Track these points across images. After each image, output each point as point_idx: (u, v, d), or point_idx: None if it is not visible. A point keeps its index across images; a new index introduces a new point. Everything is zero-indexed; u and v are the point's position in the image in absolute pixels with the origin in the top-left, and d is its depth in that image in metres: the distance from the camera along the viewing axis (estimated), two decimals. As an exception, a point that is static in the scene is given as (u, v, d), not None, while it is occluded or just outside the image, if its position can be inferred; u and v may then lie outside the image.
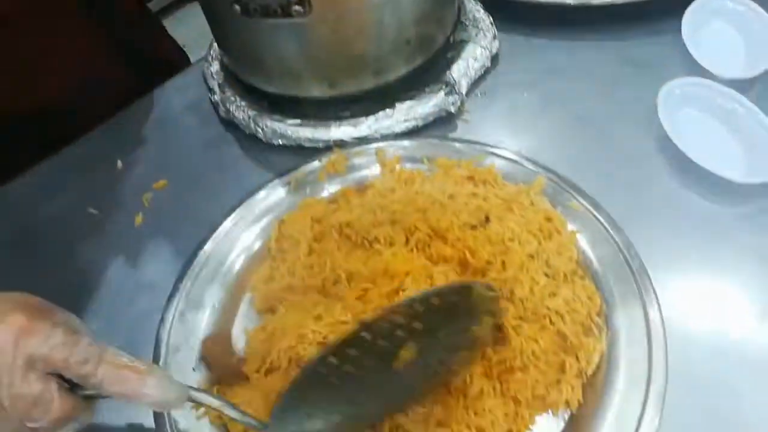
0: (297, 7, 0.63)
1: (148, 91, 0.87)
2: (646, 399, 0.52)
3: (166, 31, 1.03)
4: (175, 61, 1.00)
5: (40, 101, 0.80)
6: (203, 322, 0.61)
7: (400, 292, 0.55)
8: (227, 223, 0.67)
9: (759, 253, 0.62)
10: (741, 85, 0.72)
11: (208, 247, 0.65)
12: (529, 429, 0.54)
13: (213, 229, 0.67)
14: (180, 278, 0.64)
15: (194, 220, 0.71)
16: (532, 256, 0.59)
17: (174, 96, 0.87)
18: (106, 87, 0.87)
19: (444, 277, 0.55)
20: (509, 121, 0.76)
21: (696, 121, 0.71)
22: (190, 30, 0.96)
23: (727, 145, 0.69)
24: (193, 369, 0.59)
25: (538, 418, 0.54)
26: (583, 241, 0.61)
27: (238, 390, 0.56)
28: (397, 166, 0.69)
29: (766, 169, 0.64)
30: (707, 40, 0.78)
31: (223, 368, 0.57)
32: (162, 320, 0.61)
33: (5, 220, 0.76)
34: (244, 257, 0.65)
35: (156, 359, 0.59)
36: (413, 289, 0.54)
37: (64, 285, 0.68)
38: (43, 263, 0.71)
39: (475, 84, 0.79)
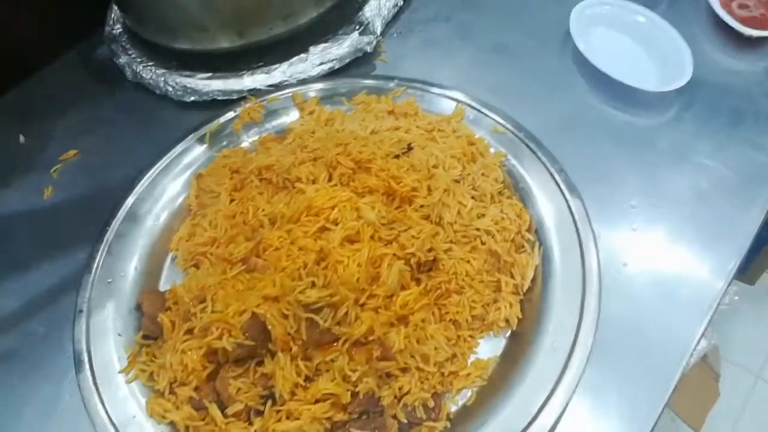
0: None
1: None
2: (583, 307, 0.52)
3: None
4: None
5: None
6: (126, 286, 0.58)
7: (328, 230, 0.53)
8: (143, 182, 0.63)
9: (676, 156, 0.63)
10: (648, 1, 0.73)
11: (123, 208, 0.62)
12: (474, 352, 0.53)
13: (125, 193, 0.63)
14: (97, 242, 0.60)
15: (108, 187, 0.67)
16: (457, 180, 0.58)
17: (77, 63, 0.81)
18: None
19: (371, 207, 0.53)
20: (427, 57, 0.75)
21: (608, 38, 0.72)
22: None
23: (640, 59, 0.70)
24: (119, 334, 0.55)
25: (480, 341, 0.54)
26: (508, 162, 0.61)
27: (157, 346, 0.53)
28: (316, 108, 0.67)
29: (677, 77, 0.65)
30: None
31: (153, 323, 0.54)
32: (80, 289, 0.58)
33: None
34: (165, 214, 0.62)
35: (77, 328, 0.55)
36: (342, 225, 0.52)
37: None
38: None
39: (389, 24, 0.78)
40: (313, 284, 0.48)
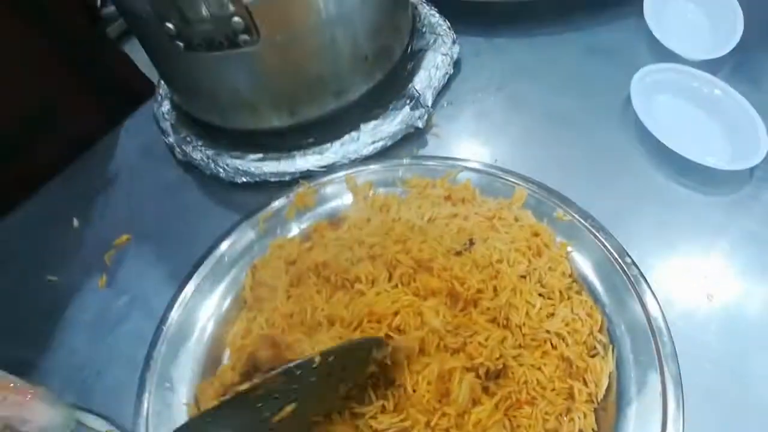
0: (244, 36, 0.59)
1: (108, 126, 0.83)
2: (665, 416, 0.49)
3: (127, 56, 0.97)
4: (138, 89, 0.90)
5: None
6: (182, 397, 0.57)
7: (393, 337, 0.51)
8: (193, 284, 0.62)
9: (754, 239, 0.59)
10: (712, 65, 0.69)
11: (175, 315, 0.60)
12: (547, 468, 0.51)
13: (178, 294, 0.61)
14: (149, 355, 0.58)
15: (162, 275, 0.67)
16: (523, 277, 0.55)
17: (126, 142, 0.82)
18: (63, 118, 0.80)
19: (435, 312, 0.52)
20: (480, 129, 0.73)
21: (672, 107, 0.69)
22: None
23: (708, 130, 0.66)
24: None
25: (554, 455, 0.51)
26: (573, 253, 0.58)
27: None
28: (370, 193, 0.66)
29: (750, 153, 0.61)
30: (671, 20, 0.76)
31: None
32: (140, 395, 0.56)
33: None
34: (215, 320, 0.61)
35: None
36: (405, 332, 0.51)
37: (31, 360, 0.63)
38: (5, 338, 0.66)
39: (440, 94, 0.76)
40: (384, 408, 0.46)
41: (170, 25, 0.59)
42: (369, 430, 0.46)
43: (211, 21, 0.58)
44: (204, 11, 0.57)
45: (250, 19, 0.57)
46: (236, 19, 0.57)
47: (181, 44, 0.61)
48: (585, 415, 0.51)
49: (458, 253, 0.56)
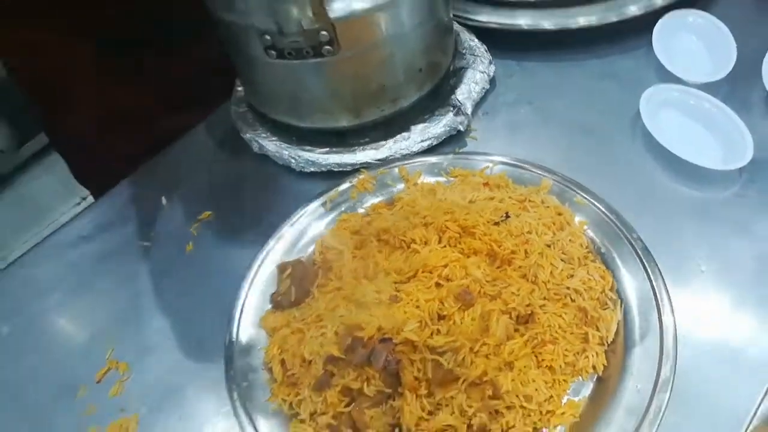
0: (327, 47, 0.73)
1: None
2: (661, 356, 0.60)
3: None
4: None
5: None
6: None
7: (442, 284, 0.63)
8: (275, 238, 0.75)
9: (741, 227, 0.71)
10: (709, 87, 0.82)
11: (259, 259, 0.74)
12: (566, 393, 0.62)
13: (259, 249, 0.75)
14: (237, 297, 0.71)
15: (241, 243, 0.80)
16: (549, 245, 0.68)
17: (206, 137, 0.95)
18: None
19: (476, 266, 0.64)
20: (512, 135, 0.86)
21: (675, 120, 0.82)
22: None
23: (704, 139, 0.79)
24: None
25: (572, 384, 0.63)
26: (590, 230, 0.71)
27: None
28: (419, 180, 0.79)
29: (739, 157, 0.74)
30: (676, 51, 0.89)
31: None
32: (228, 336, 0.69)
33: (60, 261, 0.84)
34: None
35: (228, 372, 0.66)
36: (456, 283, 0.63)
37: (126, 308, 0.77)
38: (106, 290, 0.79)
39: (478, 105, 0.89)
40: (438, 331, 0.58)
41: (267, 37, 0.73)
42: (425, 347, 0.58)
43: (302, 34, 0.71)
44: (298, 25, 0.71)
45: (334, 33, 0.71)
46: (323, 32, 0.71)
47: (274, 53, 0.75)
48: (597, 354, 0.62)
49: (496, 224, 0.69)
